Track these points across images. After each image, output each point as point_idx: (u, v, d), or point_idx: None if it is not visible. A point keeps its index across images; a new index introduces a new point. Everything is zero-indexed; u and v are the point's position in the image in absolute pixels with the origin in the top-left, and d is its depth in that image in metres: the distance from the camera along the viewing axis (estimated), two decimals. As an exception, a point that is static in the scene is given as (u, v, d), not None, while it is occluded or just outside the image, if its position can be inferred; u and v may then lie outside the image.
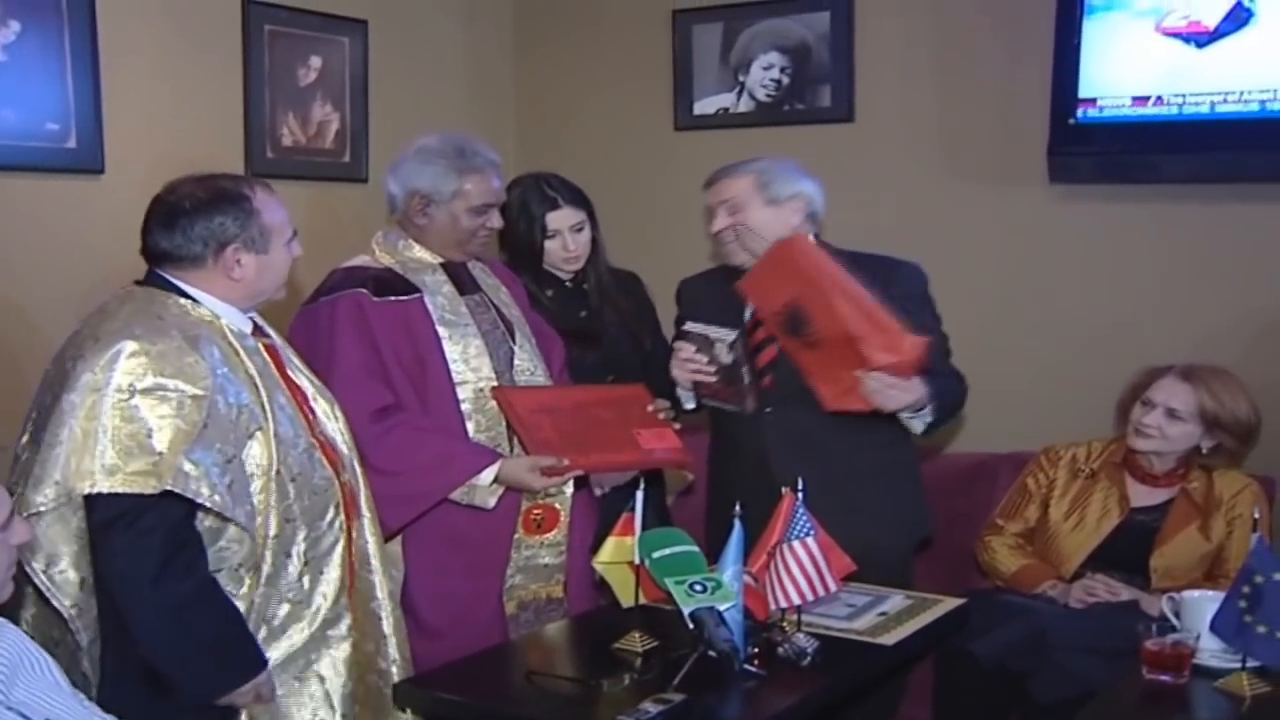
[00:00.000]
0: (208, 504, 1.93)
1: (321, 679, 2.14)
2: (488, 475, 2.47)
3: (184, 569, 1.94)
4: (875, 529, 2.59)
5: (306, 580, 2.10)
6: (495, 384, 2.58)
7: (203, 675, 1.98)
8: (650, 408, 2.70)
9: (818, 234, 2.75)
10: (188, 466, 1.91)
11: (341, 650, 2.15)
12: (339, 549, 2.16)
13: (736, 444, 2.76)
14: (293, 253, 2.21)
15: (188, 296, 2.09)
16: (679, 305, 2.91)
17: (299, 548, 2.09)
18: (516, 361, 2.65)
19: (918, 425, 2.63)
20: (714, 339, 2.67)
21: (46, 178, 2.84)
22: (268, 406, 2.06)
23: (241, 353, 2.09)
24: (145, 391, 1.93)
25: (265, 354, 2.16)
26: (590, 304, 2.98)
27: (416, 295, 2.57)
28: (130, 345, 1.95)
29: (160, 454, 1.91)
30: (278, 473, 2.05)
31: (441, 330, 2.56)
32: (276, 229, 2.15)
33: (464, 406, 2.55)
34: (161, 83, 3.06)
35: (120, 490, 1.89)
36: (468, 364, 2.57)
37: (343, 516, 2.16)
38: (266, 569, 2.05)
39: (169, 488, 1.90)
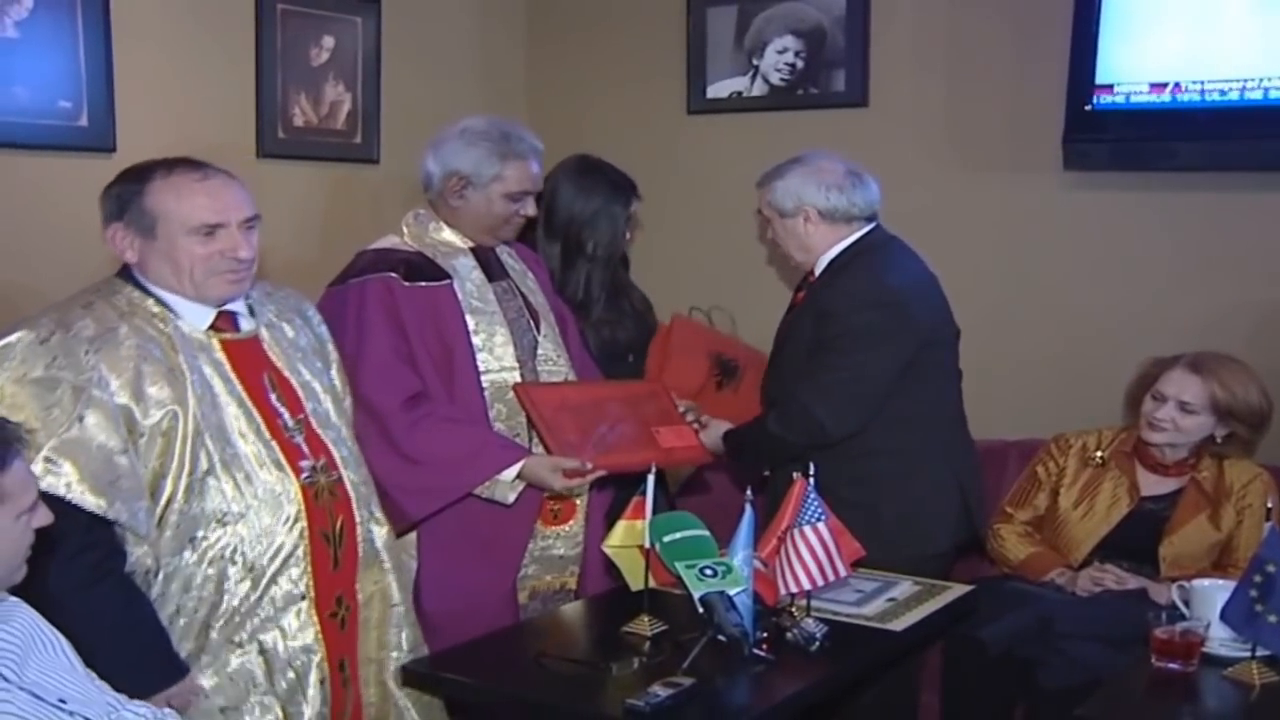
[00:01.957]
0: (68, 497, 1.86)
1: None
2: (510, 471, 2.45)
3: (90, 566, 1.89)
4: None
5: (253, 586, 2.02)
6: (518, 374, 2.57)
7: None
8: (681, 408, 2.72)
9: (876, 225, 2.74)
10: (48, 459, 1.86)
11: (322, 669, 2.09)
12: (298, 555, 2.06)
13: None
14: (231, 250, 2.02)
15: (143, 289, 2.05)
16: None
17: (244, 556, 2.01)
18: (540, 350, 2.64)
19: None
20: None
21: (58, 156, 2.83)
22: (194, 407, 1.98)
23: (180, 350, 2.01)
24: (35, 380, 1.90)
25: (223, 352, 2.07)
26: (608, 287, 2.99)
27: (446, 281, 2.55)
28: (25, 335, 1.93)
29: (36, 445, 1.85)
30: (205, 473, 1.98)
31: (469, 318, 2.55)
32: (169, 217, 2.00)
33: (486, 395, 2.54)
34: (174, 61, 3.05)
35: None
36: (492, 353, 2.56)
37: (304, 523, 2.06)
38: (203, 576, 1.99)
39: None
